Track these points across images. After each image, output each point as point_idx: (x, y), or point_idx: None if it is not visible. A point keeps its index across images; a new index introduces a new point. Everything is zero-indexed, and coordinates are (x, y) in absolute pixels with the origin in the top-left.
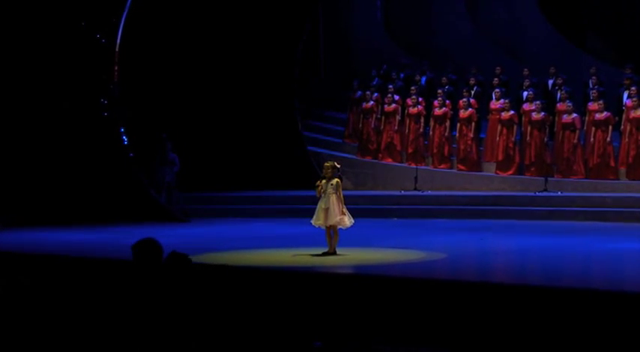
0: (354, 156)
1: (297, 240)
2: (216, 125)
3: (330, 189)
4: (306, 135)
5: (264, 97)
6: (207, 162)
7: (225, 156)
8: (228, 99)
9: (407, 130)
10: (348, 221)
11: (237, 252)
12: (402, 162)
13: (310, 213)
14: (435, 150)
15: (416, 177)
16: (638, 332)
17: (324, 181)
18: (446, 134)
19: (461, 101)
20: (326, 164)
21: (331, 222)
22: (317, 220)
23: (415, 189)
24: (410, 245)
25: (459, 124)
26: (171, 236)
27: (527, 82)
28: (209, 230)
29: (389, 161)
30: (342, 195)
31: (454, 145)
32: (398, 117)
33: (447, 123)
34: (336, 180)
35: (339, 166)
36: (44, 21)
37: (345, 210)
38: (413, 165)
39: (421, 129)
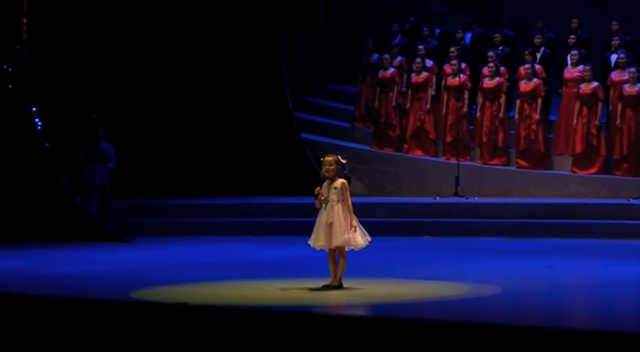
0: (368, 148)
1: (288, 268)
2: (170, 103)
3: (333, 196)
4: (300, 117)
5: (239, 64)
6: (156, 157)
7: (181, 149)
8: (187, 67)
9: (444, 110)
10: (361, 239)
11: (201, 284)
12: (437, 156)
13: (306, 230)
14: (484, 139)
15: (457, 178)
16: None
17: (325, 185)
18: (500, 115)
19: (522, 68)
20: (327, 158)
21: (336, 242)
22: (317, 240)
23: (456, 194)
24: (448, 275)
25: (518, 102)
26: (105, 263)
27: (616, 41)
28: (161, 253)
29: (418, 154)
30: (350, 203)
31: (512, 132)
32: (431, 92)
33: (502, 100)
34: (342, 181)
35: (345, 161)
36: None
37: (356, 223)
38: (452, 161)
39: (464, 109)
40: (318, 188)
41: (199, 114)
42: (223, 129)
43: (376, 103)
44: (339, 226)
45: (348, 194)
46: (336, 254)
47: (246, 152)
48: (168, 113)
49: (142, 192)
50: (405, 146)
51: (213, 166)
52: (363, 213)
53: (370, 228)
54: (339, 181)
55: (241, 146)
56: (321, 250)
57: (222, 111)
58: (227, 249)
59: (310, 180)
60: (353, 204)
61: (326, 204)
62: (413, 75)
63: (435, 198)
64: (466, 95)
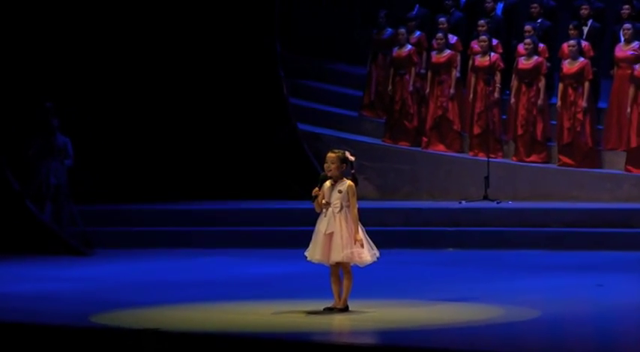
0: (380, 141)
1: (282, 287)
2: (138, 86)
3: (336, 200)
4: (297, 105)
5: (222, 41)
6: (122, 153)
7: (152, 143)
8: (161, 42)
9: (471, 96)
10: (367, 254)
11: (176, 306)
12: (463, 152)
13: (303, 241)
14: (519, 131)
15: (487, 178)
16: None
17: (327, 185)
18: (539, 102)
19: (565, 45)
20: (330, 154)
21: (336, 257)
22: (314, 253)
23: (485, 197)
24: (475, 295)
25: (561, 86)
26: (62, 280)
27: None
28: (127, 269)
29: (439, 149)
30: (356, 211)
31: (553, 122)
32: (456, 74)
33: (541, 84)
34: (348, 182)
35: (352, 159)
36: None
37: (362, 234)
38: (481, 157)
39: (496, 95)
40: (317, 189)
41: (174, 101)
42: (202, 119)
43: (389, 88)
44: (341, 238)
45: (354, 199)
46: (340, 270)
47: (230, 147)
48: (136, 99)
49: (105, 195)
50: (424, 139)
51: (191, 164)
52: (374, 221)
53: (382, 238)
54: (345, 183)
55: (224, 139)
56: (320, 264)
57: (201, 96)
58: (207, 265)
59: (309, 180)
60: (360, 210)
61: (326, 208)
62: (434, 53)
63: (460, 203)
64: (498, 78)
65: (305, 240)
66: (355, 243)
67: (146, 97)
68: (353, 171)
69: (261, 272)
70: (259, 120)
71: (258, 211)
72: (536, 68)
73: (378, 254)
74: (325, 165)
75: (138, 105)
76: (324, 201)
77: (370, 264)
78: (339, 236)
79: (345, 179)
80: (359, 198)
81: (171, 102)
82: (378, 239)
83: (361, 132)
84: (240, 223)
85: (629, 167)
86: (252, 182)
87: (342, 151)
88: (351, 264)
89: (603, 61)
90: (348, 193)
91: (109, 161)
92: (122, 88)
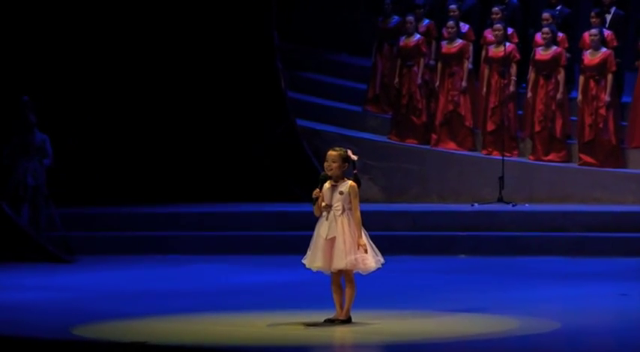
0: (385, 139)
1: (278, 297)
2: (120, 78)
3: (338, 203)
4: (295, 99)
5: (215, 30)
6: (105, 152)
7: (137, 141)
8: (150, 35)
9: (484, 89)
10: (372, 260)
11: (164, 318)
12: (476, 150)
13: (301, 246)
14: (537, 127)
15: (501, 179)
16: None
17: (327, 187)
18: (558, 96)
19: (586, 34)
20: (331, 153)
21: (339, 264)
22: (314, 261)
23: (500, 200)
24: (489, 305)
25: (582, 78)
26: (41, 289)
27: None
28: (111, 277)
29: (450, 147)
30: (359, 214)
31: (573, 118)
32: (468, 65)
33: (560, 76)
34: (350, 184)
35: (355, 158)
36: None
37: (366, 240)
38: (495, 156)
39: (511, 88)
40: (317, 190)
41: (162, 94)
42: (192, 114)
43: (396, 80)
44: (344, 243)
45: (356, 201)
46: (342, 278)
47: (222, 144)
48: (120, 92)
49: (87, 197)
50: (434, 137)
51: (179, 163)
52: (379, 225)
53: (387, 244)
54: (347, 184)
55: (215, 136)
56: (319, 272)
57: (192, 89)
58: (197, 272)
59: (308, 180)
60: (364, 213)
61: (328, 211)
62: (444, 43)
63: (472, 206)
64: (513, 70)
65: (303, 246)
66: (359, 249)
67: (132, 91)
68: (355, 171)
69: (255, 281)
70: (254, 115)
71: (253, 214)
72: (555, 59)
73: (382, 260)
74: (325, 164)
75: (122, 98)
76: (324, 204)
77: (374, 272)
78: (342, 241)
79: (346, 179)
80: (362, 201)
81: (160, 95)
82: (384, 244)
83: (365, 129)
84: (232, 227)
85: None
86: (245, 182)
87: (343, 149)
88: (354, 272)
89: (627, 51)
90: (350, 194)
91: (91, 160)
92: (105, 81)
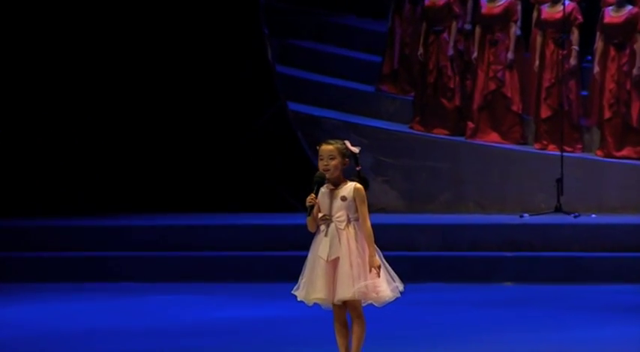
0: (406, 128)
1: (263, 338)
2: (65, 57)
3: (340, 212)
4: (287, 75)
5: None
6: (39, 148)
7: (83, 132)
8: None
9: (537, 63)
10: (387, 288)
11: None
12: (526, 144)
13: (293, 271)
14: (607, 114)
15: (559, 181)
16: None
17: (324, 192)
18: (634, 73)
19: None
20: (324, 148)
21: (346, 294)
22: (310, 291)
23: (558, 209)
24: (544, 348)
25: None
26: None
27: None
28: (42, 312)
29: (492, 140)
30: (369, 225)
31: None
32: (515, 31)
33: (637, 45)
34: (353, 185)
35: (355, 150)
36: None
37: (379, 260)
38: (552, 151)
39: (572, 61)
40: (312, 196)
41: (112, 70)
42: (153, 95)
43: (420, 51)
44: (350, 266)
45: (364, 208)
46: (347, 312)
47: (187, 135)
48: (62, 74)
49: (13, 208)
50: (470, 126)
51: (130, 162)
52: (397, 243)
53: (409, 267)
54: (350, 186)
55: (180, 124)
56: (317, 305)
57: (151, 59)
58: (157, 305)
59: (302, 184)
60: (378, 226)
61: (326, 223)
62: (484, 2)
63: (521, 217)
64: (575, 37)
65: (295, 270)
66: (370, 272)
67: (78, 68)
68: (359, 168)
69: (232, 317)
70: (231, 97)
71: (229, 229)
72: (630, 23)
73: (401, 288)
74: (320, 163)
75: (69, 81)
76: (321, 214)
77: (391, 303)
78: (347, 263)
79: (348, 181)
80: (376, 210)
81: (117, 71)
82: (404, 268)
83: (379, 115)
84: (202, 246)
85: None
86: (220, 187)
87: (340, 141)
88: (364, 304)
89: None
90: (354, 200)
91: (24, 160)
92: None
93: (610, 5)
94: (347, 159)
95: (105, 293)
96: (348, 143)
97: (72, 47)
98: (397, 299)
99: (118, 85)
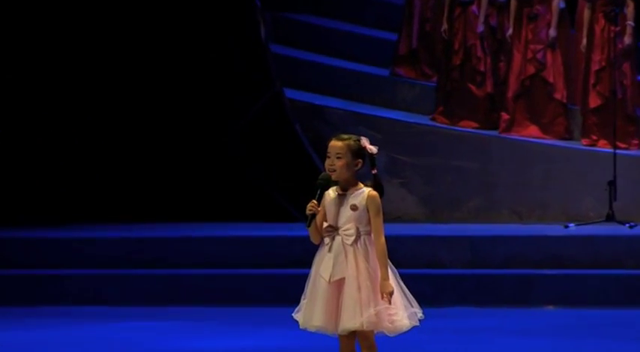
0: (426, 120)
1: None
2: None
3: (349, 222)
4: (283, 55)
5: None
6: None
7: (51, 128)
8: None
9: (584, 41)
10: (403, 315)
11: None
12: (572, 139)
13: (294, 292)
14: None
15: (612, 184)
16: None
17: (330, 197)
18: None
19: None
20: (334, 143)
21: (355, 321)
22: (312, 317)
23: (610, 218)
24: None
25: None
26: None
27: None
28: (29, 338)
29: (530, 134)
30: (383, 239)
31: None
32: (558, 3)
33: None
34: (367, 191)
35: (373, 150)
36: None
37: (395, 282)
38: (603, 148)
39: (627, 40)
40: (314, 203)
41: (81, 60)
42: (130, 86)
43: (444, 27)
44: (358, 289)
45: (379, 220)
46: (355, 343)
47: (165, 130)
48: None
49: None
50: (505, 117)
51: (101, 164)
52: (417, 258)
53: (430, 289)
54: (362, 193)
55: (157, 116)
56: (321, 334)
57: (128, 44)
58: (135, 334)
59: (302, 187)
60: (393, 238)
61: (331, 236)
62: None
63: (566, 227)
64: (630, 10)
65: (296, 291)
66: (383, 298)
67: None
68: (375, 172)
69: (221, 348)
70: (217, 83)
71: (216, 242)
72: None
73: (421, 314)
74: (327, 162)
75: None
76: (325, 224)
77: (408, 332)
78: (355, 286)
79: (361, 185)
80: (390, 218)
81: (86, 60)
82: (424, 289)
83: (395, 105)
84: (183, 264)
85: None
86: (203, 192)
87: (354, 137)
88: (377, 333)
89: None
90: (367, 210)
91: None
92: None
93: None
94: (360, 160)
95: (63, 319)
96: (365, 140)
97: (71, 47)
98: (416, 327)
99: (99, 80)
